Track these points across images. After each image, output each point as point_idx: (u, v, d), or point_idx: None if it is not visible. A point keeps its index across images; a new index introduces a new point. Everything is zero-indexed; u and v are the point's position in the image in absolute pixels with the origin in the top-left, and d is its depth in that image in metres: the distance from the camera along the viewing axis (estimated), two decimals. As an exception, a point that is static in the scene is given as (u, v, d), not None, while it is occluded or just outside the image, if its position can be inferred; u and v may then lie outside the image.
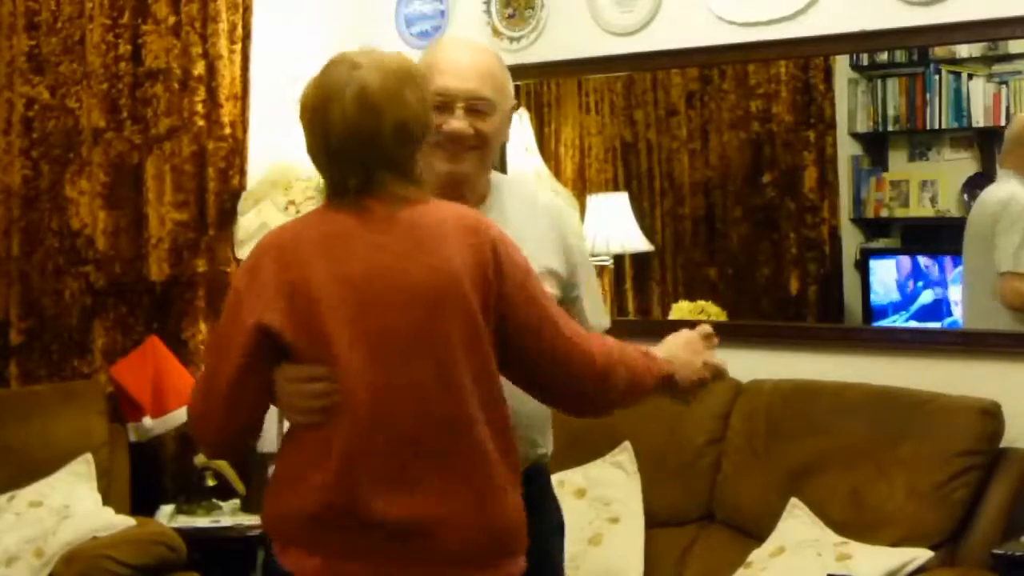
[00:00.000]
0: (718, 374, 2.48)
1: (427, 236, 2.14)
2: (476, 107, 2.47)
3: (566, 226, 2.63)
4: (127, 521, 3.84)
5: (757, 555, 3.45)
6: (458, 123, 2.46)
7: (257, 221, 4.40)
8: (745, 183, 4.32)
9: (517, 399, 2.37)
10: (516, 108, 2.61)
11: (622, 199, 4.51)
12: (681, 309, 4.32)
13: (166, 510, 4.23)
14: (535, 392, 2.33)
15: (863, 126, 4.14)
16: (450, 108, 2.46)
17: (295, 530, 2.16)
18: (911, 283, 4.06)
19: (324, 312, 2.10)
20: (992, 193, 3.85)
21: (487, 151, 2.51)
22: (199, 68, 4.49)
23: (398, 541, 2.10)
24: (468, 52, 2.57)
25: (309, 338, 2.12)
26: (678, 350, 2.45)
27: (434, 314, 2.11)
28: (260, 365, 2.15)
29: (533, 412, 2.51)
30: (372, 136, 2.14)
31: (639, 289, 4.57)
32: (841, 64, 4.10)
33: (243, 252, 4.52)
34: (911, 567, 3.25)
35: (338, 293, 2.11)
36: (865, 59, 4.08)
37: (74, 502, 3.88)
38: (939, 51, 3.95)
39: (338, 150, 2.16)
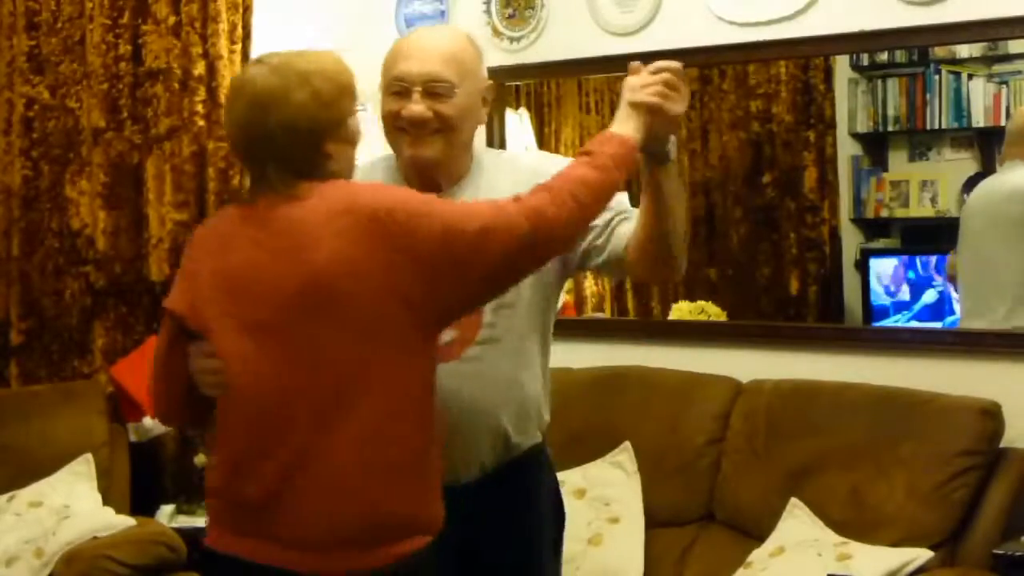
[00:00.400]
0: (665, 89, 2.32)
1: (301, 232, 2.17)
2: (434, 90, 2.44)
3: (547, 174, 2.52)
4: (127, 521, 3.84)
5: (757, 555, 3.45)
6: (416, 107, 2.44)
7: (257, 221, 4.40)
8: (745, 183, 4.32)
9: (484, 389, 2.39)
10: (491, 88, 2.56)
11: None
12: (681, 309, 4.32)
13: (166, 510, 4.23)
14: (511, 277, 2.28)
15: (863, 126, 4.14)
16: (408, 93, 2.44)
17: (211, 506, 2.32)
18: (912, 283, 4.07)
19: (205, 303, 2.24)
20: (1007, 182, 3.82)
21: (453, 134, 2.48)
22: (199, 68, 4.49)
23: (268, 522, 2.18)
24: (430, 35, 2.58)
25: (198, 325, 2.26)
26: (630, 97, 2.33)
27: (304, 308, 2.15)
28: (179, 341, 2.31)
29: (500, 402, 2.49)
30: (261, 134, 2.21)
31: (639, 289, 4.57)
32: (841, 64, 4.10)
33: (243, 252, 4.52)
34: (911, 567, 3.25)
35: (218, 286, 2.24)
36: (865, 59, 4.08)
37: (74, 502, 3.88)
38: (939, 51, 3.96)
39: (237, 147, 2.30)
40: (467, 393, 2.40)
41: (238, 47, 4.56)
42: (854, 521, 3.42)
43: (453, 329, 2.42)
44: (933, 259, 4.07)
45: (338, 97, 2.26)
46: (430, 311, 2.18)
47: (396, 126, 2.46)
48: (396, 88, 2.45)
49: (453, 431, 2.45)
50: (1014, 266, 3.77)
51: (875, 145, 4.18)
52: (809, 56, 4.09)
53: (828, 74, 4.15)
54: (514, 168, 2.57)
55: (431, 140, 2.46)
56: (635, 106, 2.32)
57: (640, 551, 3.70)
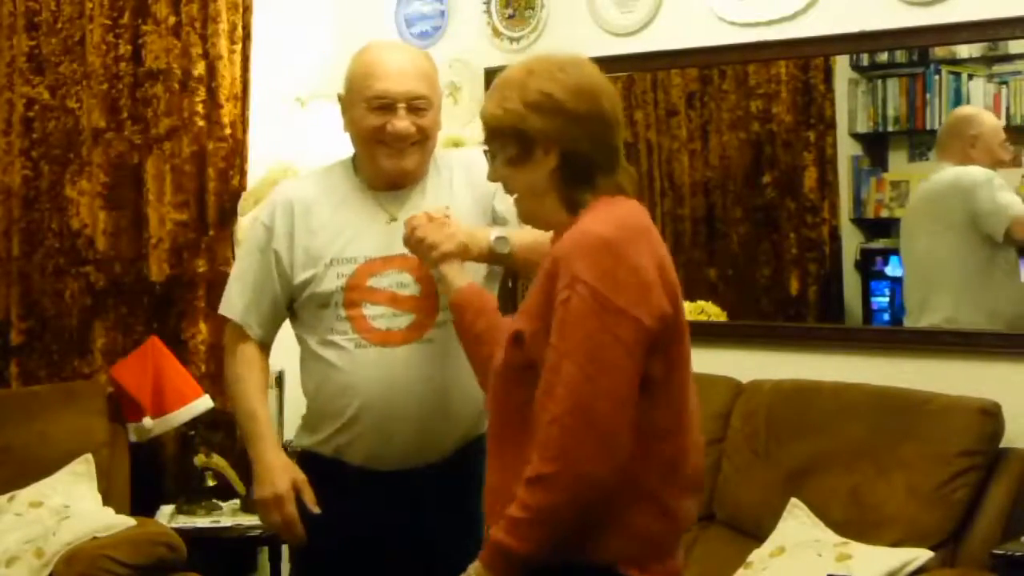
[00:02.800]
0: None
1: None
2: (417, 106, 2.69)
3: (477, 173, 2.56)
4: (127, 521, 3.84)
5: (757, 555, 3.45)
6: (401, 123, 2.67)
7: (257, 221, 4.39)
8: (745, 183, 4.32)
9: (455, 368, 2.59)
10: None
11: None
12: (681, 309, 4.31)
13: (166, 510, 4.23)
14: None
15: (863, 126, 4.14)
16: (392, 109, 2.67)
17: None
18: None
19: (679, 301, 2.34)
20: (942, 180, 3.90)
21: (428, 144, 2.75)
22: (199, 68, 4.48)
23: None
24: (401, 54, 2.78)
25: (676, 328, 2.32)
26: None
27: None
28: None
29: (472, 382, 2.54)
30: None
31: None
32: (841, 64, 4.10)
33: (243, 252, 4.52)
34: (911, 567, 3.25)
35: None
36: (865, 59, 4.08)
37: (74, 502, 3.88)
38: (939, 51, 3.95)
39: None
40: (440, 373, 2.63)
41: (238, 47, 4.56)
42: (854, 521, 3.42)
43: (411, 313, 2.65)
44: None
45: None
46: None
47: (376, 139, 2.69)
48: (377, 104, 2.68)
49: (435, 412, 2.65)
50: (956, 264, 3.84)
51: (875, 145, 4.17)
52: (809, 56, 4.09)
53: (828, 74, 4.14)
54: (449, 171, 2.81)
55: (410, 152, 2.71)
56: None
57: (640, 551, 3.69)
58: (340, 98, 2.79)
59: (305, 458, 2.81)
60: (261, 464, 2.74)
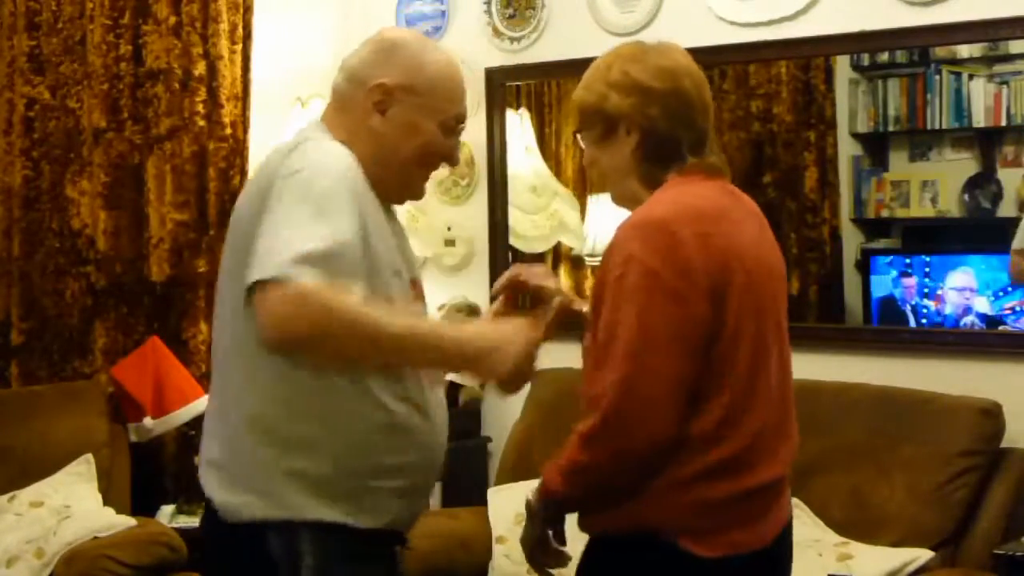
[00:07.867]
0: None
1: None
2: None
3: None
4: (128, 521, 3.84)
5: (758, 555, 3.44)
6: (457, 152, 2.40)
7: (258, 221, 4.39)
8: (746, 183, 4.29)
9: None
10: None
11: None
12: (682, 309, 4.31)
13: (167, 510, 4.23)
14: None
15: (864, 126, 4.14)
16: (456, 134, 2.35)
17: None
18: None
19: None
20: None
21: None
22: (200, 68, 4.49)
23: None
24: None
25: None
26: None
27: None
28: None
29: None
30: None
31: (640, 289, 4.56)
32: (842, 64, 4.10)
33: (244, 252, 4.51)
34: (912, 567, 3.25)
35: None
36: (866, 59, 4.08)
37: (75, 502, 3.88)
38: (940, 51, 3.95)
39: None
40: None
41: (238, 47, 4.56)
42: (855, 521, 3.42)
43: None
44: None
45: None
46: None
47: (432, 162, 2.33)
48: (453, 126, 2.32)
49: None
50: None
51: (876, 145, 4.18)
52: (809, 56, 4.09)
53: (829, 74, 4.14)
54: None
55: None
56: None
57: (641, 551, 3.69)
58: (392, 89, 2.26)
59: None
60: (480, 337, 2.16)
